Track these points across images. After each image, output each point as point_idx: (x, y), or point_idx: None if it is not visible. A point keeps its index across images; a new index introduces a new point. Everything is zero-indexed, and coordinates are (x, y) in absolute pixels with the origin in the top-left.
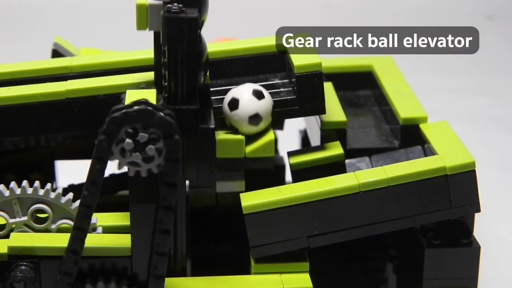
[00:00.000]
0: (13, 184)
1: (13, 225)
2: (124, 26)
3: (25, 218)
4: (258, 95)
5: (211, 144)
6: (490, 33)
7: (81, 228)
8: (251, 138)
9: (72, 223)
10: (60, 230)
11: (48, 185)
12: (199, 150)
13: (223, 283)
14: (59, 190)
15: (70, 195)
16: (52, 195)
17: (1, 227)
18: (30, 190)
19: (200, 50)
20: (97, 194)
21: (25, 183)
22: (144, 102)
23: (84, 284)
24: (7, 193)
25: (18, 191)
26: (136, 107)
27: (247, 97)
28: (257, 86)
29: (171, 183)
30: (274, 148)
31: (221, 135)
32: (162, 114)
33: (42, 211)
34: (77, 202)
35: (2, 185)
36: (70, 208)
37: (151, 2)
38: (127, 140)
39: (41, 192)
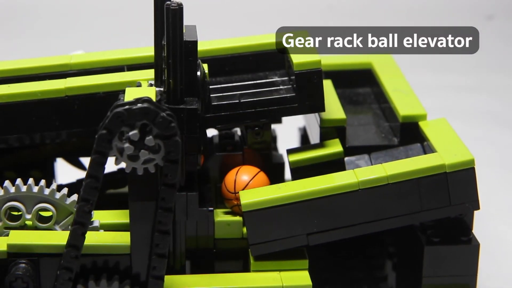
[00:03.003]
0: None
1: (26, 221)
2: (123, 24)
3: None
4: None
5: (210, 225)
6: (490, 33)
7: (81, 222)
8: None
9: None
10: None
11: (75, 197)
12: (198, 230)
13: (222, 281)
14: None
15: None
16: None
17: (16, 218)
18: (58, 195)
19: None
20: (97, 188)
21: (43, 182)
22: (148, 100)
23: (87, 281)
24: (35, 189)
25: (35, 189)
26: (139, 105)
27: None
28: None
29: (170, 184)
30: None
31: (219, 216)
32: (164, 114)
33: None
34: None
35: (32, 179)
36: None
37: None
38: (129, 134)
39: (69, 201)
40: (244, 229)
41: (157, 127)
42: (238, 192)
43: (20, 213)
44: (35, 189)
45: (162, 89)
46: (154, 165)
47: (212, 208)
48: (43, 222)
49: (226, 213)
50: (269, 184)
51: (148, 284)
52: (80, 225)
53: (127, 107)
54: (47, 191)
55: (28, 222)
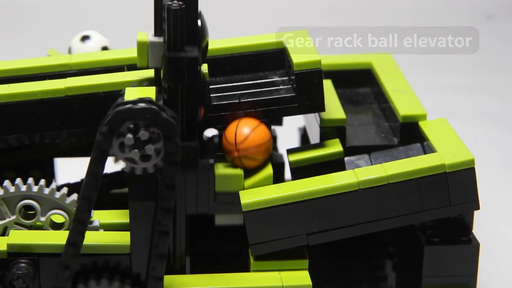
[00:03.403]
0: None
1: (38, 223)
2: (123, 24)
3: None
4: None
5: (211, 178)
6: (490, 33)
7: (81, 220)
8: (250, 172)
9: None
10: None
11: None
12: (198, 182)
13: (222, 281)
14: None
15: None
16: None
17: (29, 217)
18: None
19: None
20: (97, 186)
21: (65, 190)
22: (150, 100)
23: (87, 281)
24: (58, 195)
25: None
26: (141, 104)
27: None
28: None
29: (170, 185)
30: (272, 182)
31: (220, 169)
32: (166, 115)
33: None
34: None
35: (55, 183)
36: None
37: (151, 40)
38: (128, 135)
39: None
40: (245, 182)
41: (159, 128)
42: (238, 144)
43: (34, 212)
44: (58, 194)
45: (161, 39)
46: (153, 165)
47: (212, 161)
48: (54, 227)
49: (227, 166)
50: (270, 137)
51: (148, 284)
52: (80, 223)
53: (129, 106)
54: (68, 200)
55: (39, 224)
